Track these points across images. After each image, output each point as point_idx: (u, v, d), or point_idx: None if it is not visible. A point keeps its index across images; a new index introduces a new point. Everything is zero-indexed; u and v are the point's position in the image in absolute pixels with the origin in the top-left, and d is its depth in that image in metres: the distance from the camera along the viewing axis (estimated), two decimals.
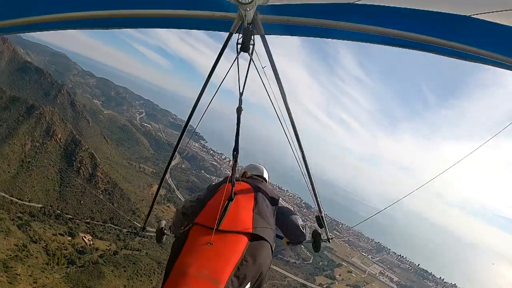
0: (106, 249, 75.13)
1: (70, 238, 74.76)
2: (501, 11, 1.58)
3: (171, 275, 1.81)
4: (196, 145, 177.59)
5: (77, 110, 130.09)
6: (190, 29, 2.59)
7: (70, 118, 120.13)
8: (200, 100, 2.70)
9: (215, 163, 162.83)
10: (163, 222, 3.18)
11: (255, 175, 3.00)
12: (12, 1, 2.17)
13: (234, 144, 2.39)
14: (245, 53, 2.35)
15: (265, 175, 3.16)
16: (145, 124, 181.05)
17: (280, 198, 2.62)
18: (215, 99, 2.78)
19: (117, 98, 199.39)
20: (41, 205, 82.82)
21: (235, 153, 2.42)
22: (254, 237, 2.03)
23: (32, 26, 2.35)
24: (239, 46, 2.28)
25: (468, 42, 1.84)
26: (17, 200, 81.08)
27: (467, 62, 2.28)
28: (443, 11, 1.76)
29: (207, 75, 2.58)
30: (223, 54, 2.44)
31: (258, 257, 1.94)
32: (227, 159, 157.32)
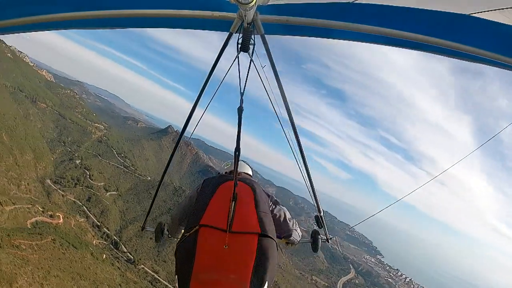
0: None
1: None
2: (502, 9, 1.57)
3: (192, 280, 1.78)
4: (373, 260, 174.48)
5: None
6: (190, 29, 2.58)
7: None
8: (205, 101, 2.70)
9: (391, 279, 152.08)
10: (163, 222, 3.17)
11: (243, 172, 3.00)
12: (12, 1, 2.17)
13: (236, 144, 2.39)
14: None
15: (251, 172, 3.17)
16: None
17: (272, 194, 2.63)
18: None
19: (296, 208, 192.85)
20: None
21: (236, 153, 2.43)
22: (262, 236, 2.03)
23: (32, 26, 2.35)
24: (239, 46, 2.28)
25: (468, 42, 1.82)
26: None
27: None
28: (443, 10, 1.76)
29: (207, 75, 2.58)
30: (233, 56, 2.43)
31: (270, 256, 1.96)
32: (403, 276, 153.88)
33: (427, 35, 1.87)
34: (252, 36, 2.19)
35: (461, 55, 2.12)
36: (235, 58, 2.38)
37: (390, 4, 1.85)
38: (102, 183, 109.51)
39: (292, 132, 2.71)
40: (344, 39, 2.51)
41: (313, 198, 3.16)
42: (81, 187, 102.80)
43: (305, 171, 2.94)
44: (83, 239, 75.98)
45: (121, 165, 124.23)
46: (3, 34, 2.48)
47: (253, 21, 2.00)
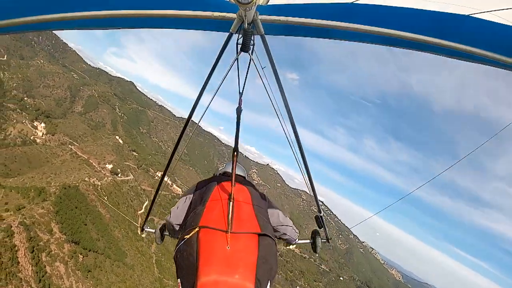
0: None
1: None
2: (502, 9, 1.57)
3: (199, 283, 1.75)
4: None
5: None
6: (190, 29, 2.58)
7: None
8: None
9: None
10: (163, 223, 3.16)
11: (237, 175, 2.94)
12: (11, 1, 2.17)
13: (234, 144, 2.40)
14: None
15: (244, 174, 3.12)
16: None
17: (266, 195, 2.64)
18: None
19: None
20: None
21: (235, 153, 2.43)
22: (262, 236, 2.04)
23: (32, 26, 2.35)
24: (239, 46, 2.28)
25: (468, 42, 1.82)
26: None
27: None
28: (443, 11, 1.76)
29: (207, 75, 2.58)
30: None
31: (270, 255, 1.98)
32: None
33: (427, 36, 1.87)
34: (252, 37, 2.19)
35: (461, 55, 2.12)
36: (235, 59, 2.38)
37: (390, 5, 1.85)
38: None
39: (293, 133, 2.72)
40: (344, 39, 2.50)
41: (313, 198, 3.16)
42: None
43: (305, 171, 2.94)
44: None
45: None
46: (3, 34, 2.47)
47: (253, 21, 2.00)
